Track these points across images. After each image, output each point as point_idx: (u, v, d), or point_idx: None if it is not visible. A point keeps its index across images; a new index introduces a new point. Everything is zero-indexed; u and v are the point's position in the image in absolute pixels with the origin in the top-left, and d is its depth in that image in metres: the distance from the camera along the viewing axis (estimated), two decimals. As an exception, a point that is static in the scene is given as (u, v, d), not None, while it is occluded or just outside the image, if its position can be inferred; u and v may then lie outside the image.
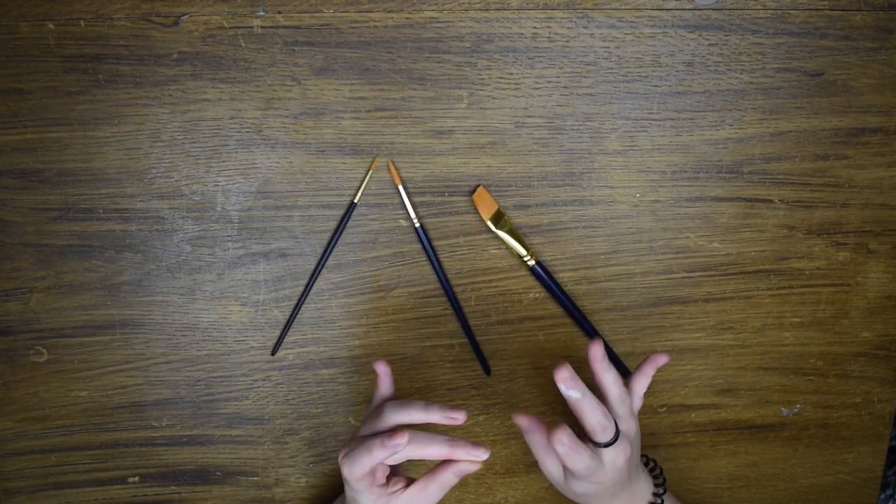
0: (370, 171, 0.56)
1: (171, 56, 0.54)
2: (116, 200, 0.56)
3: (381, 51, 0.54)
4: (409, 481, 0.49)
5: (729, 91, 0.57)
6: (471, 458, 0.47)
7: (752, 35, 0.56)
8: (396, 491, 0.48)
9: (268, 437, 0.62)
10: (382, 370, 0.51)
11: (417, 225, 0.57)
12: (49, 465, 0.62)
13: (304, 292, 0.58)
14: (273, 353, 0.60)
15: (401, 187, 0.57)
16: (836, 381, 0.65)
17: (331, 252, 0.58)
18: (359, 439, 0.48)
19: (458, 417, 0.47)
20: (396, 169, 0.57)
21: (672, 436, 0.65)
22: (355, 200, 0.56)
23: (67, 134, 0.55)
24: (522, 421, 0.49)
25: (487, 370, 0.62)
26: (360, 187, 0.56)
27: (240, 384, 0.61)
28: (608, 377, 0.49)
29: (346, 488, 0.49)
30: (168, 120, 0.55)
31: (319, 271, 0.58)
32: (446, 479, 0.48)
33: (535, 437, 0.49)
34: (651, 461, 0.58)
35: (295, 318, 0.59)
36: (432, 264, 0.59)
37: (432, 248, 0.58)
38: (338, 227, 0.57)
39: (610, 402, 0.50)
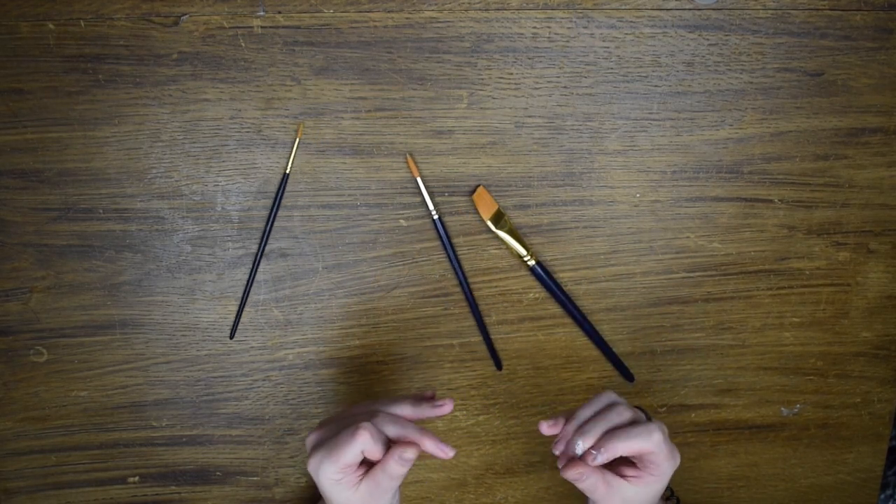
0: (297, 140, 0.55)
1: (171, 56, 0.54)
2: (116, 200, 0.56)
3: (381, 51, 0.54)
4: (368, 468, 0.48)
5: (729, 91, 0.57)
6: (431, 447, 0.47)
7: (752, 35, 0.56)
8: (358, 476, 0.47)
9: (268, 437, 0.62)
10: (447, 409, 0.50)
11: (436, 217, 0.57)
12: (49, 465, 0.62)
13: (254, 267, 0.58)
14: (231, 337, 0.60)
15: (419, 179, 0.57)
16: (836, 381, 0.65)
17: (272, 224, 0.57)
18: (331, 428, 0.47)
19: (446, 409, 0.49)
20: (415, 162, 0.56)
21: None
22: (287, 171, 0.56)
23: (67, 134, 0.55)
24: (574, 472, 0.46)
25: (499, 365, 0.62)
26: (290, 156, 0.56)
27: (240, 384, 0.61)
28: (594, 414, 0.49)
29: (314, 472, 0.47)
30: (168, 120, 0.55)
31: (265, 244, 0.58)
32: (392, 469, 0.46)
33: (593, 478, 0.47)
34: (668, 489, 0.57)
35: (248, 295, 0.59)
36: (448, 254, 0.59)
37: (449, 239, 0.58)
38: (276, 198, 0.57)
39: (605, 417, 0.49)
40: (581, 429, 0.48)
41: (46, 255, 0.57)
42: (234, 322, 0.59)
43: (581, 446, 0.47)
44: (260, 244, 0.58)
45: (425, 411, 0.49)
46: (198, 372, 0.60)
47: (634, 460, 0.48)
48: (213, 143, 0.56)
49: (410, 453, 0.45)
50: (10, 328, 0.58)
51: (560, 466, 0.48)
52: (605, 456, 0.46)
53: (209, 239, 0.58)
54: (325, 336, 0.60)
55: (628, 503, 0.48)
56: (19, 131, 0.55)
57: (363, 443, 0.44)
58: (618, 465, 0.49)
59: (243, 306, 0.59)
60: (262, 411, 0.62)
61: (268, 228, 0.57)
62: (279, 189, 0.56)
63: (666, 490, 0.57)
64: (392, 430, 0.47)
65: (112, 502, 0.63)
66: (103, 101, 0.54)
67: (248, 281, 0.58)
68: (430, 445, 0.46)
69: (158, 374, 0.60)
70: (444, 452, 0.47)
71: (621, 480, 0.48)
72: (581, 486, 0.47)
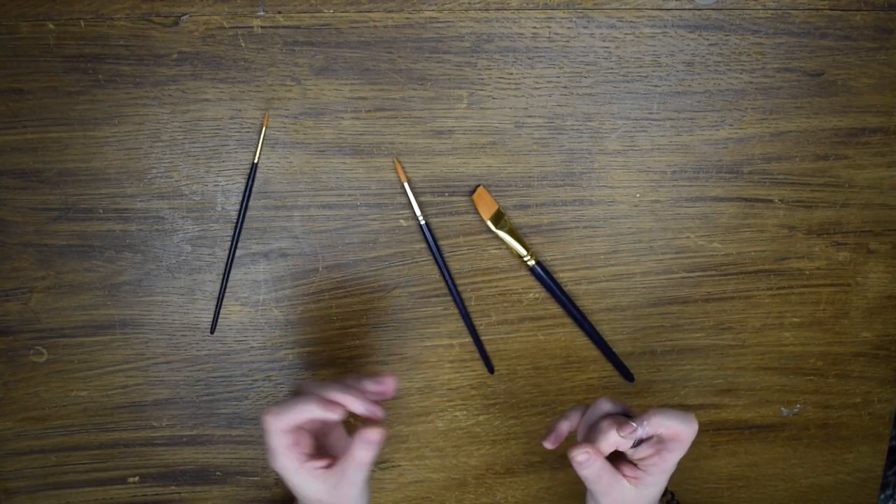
0: (264, 129, 0.55)
1: (171, 56, 0.54)
2: (116, 200, 0.56)
3: (381, 51, 0.54)
4: (334, 461, 0.47)
5: (729, 91, 0.57)
6: (374, 389, 0.48)
7: (752, 35, 0.56)
8: (320, 467, 0.47)
9: (268, 437, 0.62)
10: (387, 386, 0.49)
11: (423, 222, 0.57)
12: (49, 465, 0.62)
13: (229, 259, 0.58)
14: (212, 332, 0.59)
15: (406, 184, 0.57)
16: (836, 381, 0.65)
17: (244, 213, 0.57)
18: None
19: (387, 386, 0.48)
20: (402, 166, 0.57)
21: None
22: (255, 161, 0.56)
23: (67, 134, 0.55)
24: (580, 455, 0.46)
25: (491, 368, 0.62)
26: (258, 145, 0.55)
27: (240, 384, 0.61)
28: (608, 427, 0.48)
29: (276, 463, 0.47)
30: (168, 120, 0.55)
31: (238, 235, 0.58)
32: (359, 456, 0.45)
33: (598, 465, 0.46)
34: (668, 493, 0.57)
35: (226, 288, 0.59)
36: (436, 261, 0.59)
37: (437, 245, 0.58)
38: (247, 187, 0.56)
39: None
40: (575, 445, 0.47)
41: (46, 255, 0.57)
42: (214, 315, 0.59)
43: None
44: (235, 232, 0.58)
45: (367, 385, 0.48)
46: (198, 372, 0.60)
47: (636, 462, 0.48)
48: (213, 143, 0.56)
49: (373, 434, 0.45)
50: (10, 328, 0.58)
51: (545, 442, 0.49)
52: (648, 429, 0.45)
53: (209, 239, 0.58)
54: (325, 336, 0.60)
55: (628, 503, 0.48)
56: (19, 131, 0.55)
57: (269, 426, 0.45)
58: (618, 465, 0.49)
59: (222, 298, 0.59)
60: (262, 411, 0.61)
61: (240, 218, 0.57)
62: (249, 179, 0.56)
63: (667, 494, 0.57)
64: (314, 388, 0.46)
65: (112, 502, 0.63)
66: (103, 101, 0.54)
67: (225, 271, 0.58)
68: (370, 387, 0.47)
69: (158, 374, 0.60)
70: (384, 385, 0.48)
71: (622, 479, 0.48)
72: (584, 472, 0.46)
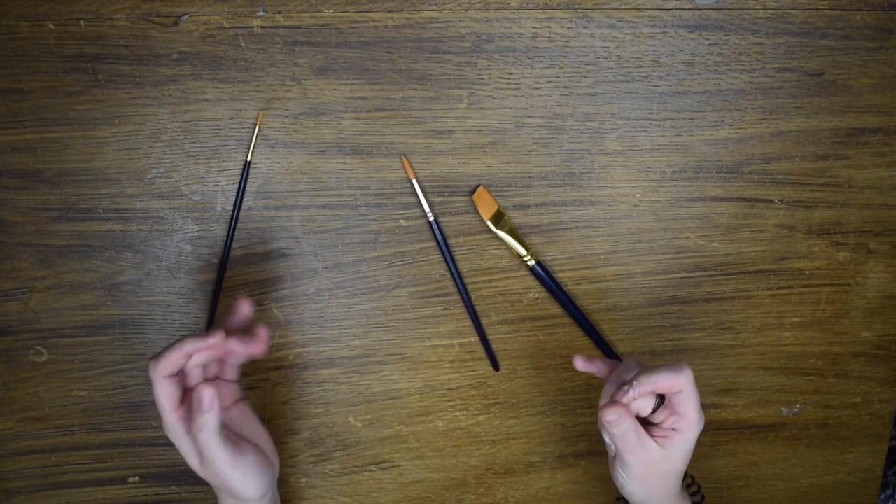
0: (258, 127, 0.55)
1: (171, 56, 0.54)
2: (116, 200, 0.56)
3: (381, 51, 0.54)
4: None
5: (729, 91, 0.57)
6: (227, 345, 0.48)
7: (752, 35, 0.56)
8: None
9: (268, 437, 0.62)
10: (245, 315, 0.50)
11: (432, 218, 0.57)
12: (49, 465, 0.62)
13: (223, 257, 0.58)
14: (207, 330, 0.59)
15: (415, 181, 0.57)
16: (836, 381, 0.65)
17: (238, 212, 0.57)
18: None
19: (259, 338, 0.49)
20: (410, 163, 0.56)
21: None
22: (248, 159, 0.56)
23: (67, 134, 0.55)
24: (610, 414, 0.47)
25: (496, 366, 0.62)
26: (251, 143, 0.55)
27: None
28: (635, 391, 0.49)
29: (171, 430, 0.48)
30: (168, 120, 0.55)
31: (232, 234, 0.58)
32: (198, 421, 0.46)
33: (626, 424, 0.47)
34: (688, 476, 0.57)
35: (221, 286, 0.59)
36: (444, 257, 0.59)
37: (445, 241, 0.58)
38: (240, 186, 0.56)
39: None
40: (606, 405, 0.49)
41: (46, 255, 0.57)
42: (210, 313, 0.59)
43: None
44: (229, 230, 0.58)
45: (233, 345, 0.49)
46: (198, 372, 0.60)
47: (660, 424, 0.49)
48: (213, 143, 0.56)
49: (203, 393, 0.45)
50: (10, 328, 0.58)
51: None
52: (637, 390, 0.47)
53: (209, 239, 0.58)
54: (325, 336, 0.60)
55: (654, 465, 0.49)
56: (19, 131, 0.55)
57: (153, 374, 0.46)
58: (646, 429, 0.49)
59: (218, 296, 0.58)
60: (261, 411, 0.62)
61: (234, 217, 0.57)
62: (242, 177, 0.56)
63: (687, 477, 0.57)
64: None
65: (112, 502, 0.63)
66: (103, 101, 0.54)
67: (220, 269, 0.58)
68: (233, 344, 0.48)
69: (158, 374, 0.60)
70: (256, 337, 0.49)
71: (650, 439, 0.49)
72: (613, 430, 0.47)
